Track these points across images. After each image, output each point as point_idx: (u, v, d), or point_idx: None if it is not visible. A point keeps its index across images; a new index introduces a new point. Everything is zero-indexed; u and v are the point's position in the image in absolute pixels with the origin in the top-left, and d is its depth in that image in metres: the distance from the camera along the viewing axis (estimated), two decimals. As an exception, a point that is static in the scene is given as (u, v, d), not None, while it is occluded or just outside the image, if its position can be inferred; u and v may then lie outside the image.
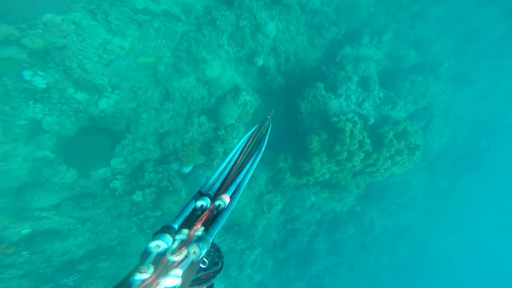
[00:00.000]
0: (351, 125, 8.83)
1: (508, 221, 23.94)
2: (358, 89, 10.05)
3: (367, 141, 8.54)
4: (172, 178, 9.41)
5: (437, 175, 15.68)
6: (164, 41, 9.80)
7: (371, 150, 8.48)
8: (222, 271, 0.91)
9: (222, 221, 0.92)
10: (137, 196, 8.88)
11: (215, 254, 0.97)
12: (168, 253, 0.74)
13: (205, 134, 9.90)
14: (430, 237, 18.47)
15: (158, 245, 0.74)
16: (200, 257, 0.75)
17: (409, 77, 11.17)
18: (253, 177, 11.21)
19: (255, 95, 10.61)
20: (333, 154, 9.07)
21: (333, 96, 9.95)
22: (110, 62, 8.61)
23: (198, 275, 0.87)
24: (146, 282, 0.63)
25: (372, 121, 9.07)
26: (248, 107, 10.22)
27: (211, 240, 0.82)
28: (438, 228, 18.61)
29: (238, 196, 1.06)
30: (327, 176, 9.37)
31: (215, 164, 9.64)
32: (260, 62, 10.44)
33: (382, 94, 10.20)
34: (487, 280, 24.83)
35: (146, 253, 0.74)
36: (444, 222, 18.80)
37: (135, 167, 9.20)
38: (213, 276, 0.87)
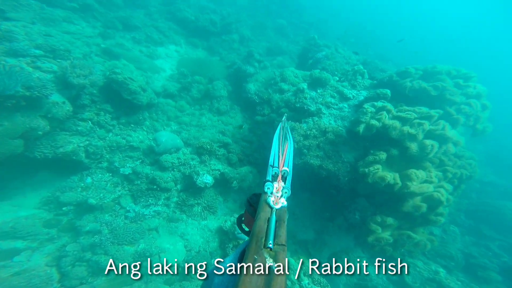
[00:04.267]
0: (385, 113, 5.80)
1: None
2: (319, 91, 7.40)
3: (423, 108, 5.70)
4: None
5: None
6: None
7: (442, 112, 5.64)
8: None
9: (290, 178, 1.42)
10: None
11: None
12: (274, 192, 1.20)
13: None
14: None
15: (269, 187, 1.20)
16: (289, 194, 1.22)
17: (317, 56, 9.86)
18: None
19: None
20: (415, 159, 5.60)
21: (315, 118, 6.77)
22: None
23: None
24: (275, 201, 1.12)
25: (389, 93, 6.42)
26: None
27: (290, 188, 1.29)
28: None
29: (291, 167, 1.52)
30: (447, 185, 5.71)
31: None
32: (208, 179, 5.94)
33: (337, 78, 8.02)
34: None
35: (265, 191, 1.21)
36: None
37: None
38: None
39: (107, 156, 5.97)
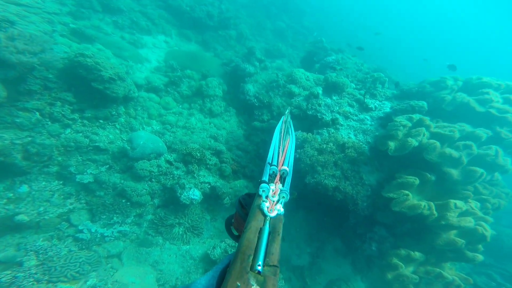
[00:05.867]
0: (424, 129, 4.72)
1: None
2: (334, 97, 6.29)
3: (466, 126, 4.70)
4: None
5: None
6: None
7: (491, 133, 4.62)
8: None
9: (290, 179, 1.20)
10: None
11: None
12: (269, 196, 0.99)
13: None
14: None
15: (264, 190, 0.99)
16: (288, 199, 1.02)
17: (326, 60, 8.85)
18: None
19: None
20: (451, 186, 4.55)
21: (331, 130, 5.61)
22: None
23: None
24: (270, 208, 0.89)
25: (426, 106, 5.38)
26: None
27: (288, 191, 1.06)
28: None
29: (291, 167, 1.30)
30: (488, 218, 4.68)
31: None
32: (195, 194, 4.62)
33: (354, 85, 6.96)
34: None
35: (259, 194, 1.00)
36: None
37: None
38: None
39: (59, 159, 4.43)
